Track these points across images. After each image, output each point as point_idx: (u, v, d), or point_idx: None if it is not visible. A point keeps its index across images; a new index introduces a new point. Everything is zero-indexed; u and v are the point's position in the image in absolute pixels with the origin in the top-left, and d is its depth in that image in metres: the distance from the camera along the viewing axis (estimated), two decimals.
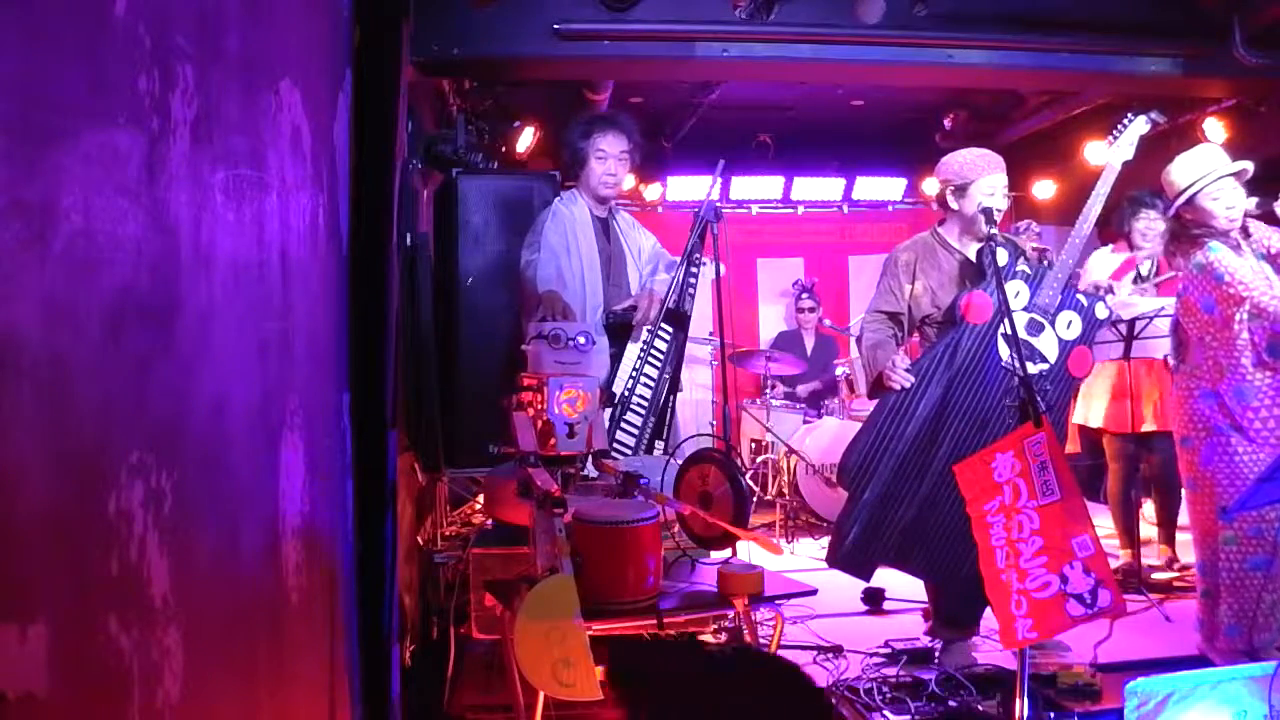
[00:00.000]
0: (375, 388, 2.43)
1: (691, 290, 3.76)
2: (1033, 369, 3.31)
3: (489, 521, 3.66)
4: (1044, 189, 7.27)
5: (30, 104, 1.01)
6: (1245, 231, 3.34)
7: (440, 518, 4.68)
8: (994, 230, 3.29)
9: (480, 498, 4.64)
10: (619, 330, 3.78)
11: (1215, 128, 5.66)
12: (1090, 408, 4.76)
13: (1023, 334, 3.35)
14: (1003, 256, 3.32)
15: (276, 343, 1.79)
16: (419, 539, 3.95)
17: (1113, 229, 4.93)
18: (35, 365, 1.01)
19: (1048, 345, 3.38)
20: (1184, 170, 3.34)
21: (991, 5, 4.11)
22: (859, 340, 3.64)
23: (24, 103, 1.00)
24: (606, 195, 3.86)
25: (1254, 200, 3.32)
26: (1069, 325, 3.40)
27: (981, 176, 3.42)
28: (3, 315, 0.96)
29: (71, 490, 1.09)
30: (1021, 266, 3.40)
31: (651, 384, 3.75)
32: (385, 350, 2.46)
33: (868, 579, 3.55)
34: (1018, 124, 6.69)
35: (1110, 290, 4.58)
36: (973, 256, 3.48)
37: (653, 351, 3.74)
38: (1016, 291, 3.36)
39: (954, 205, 3.49)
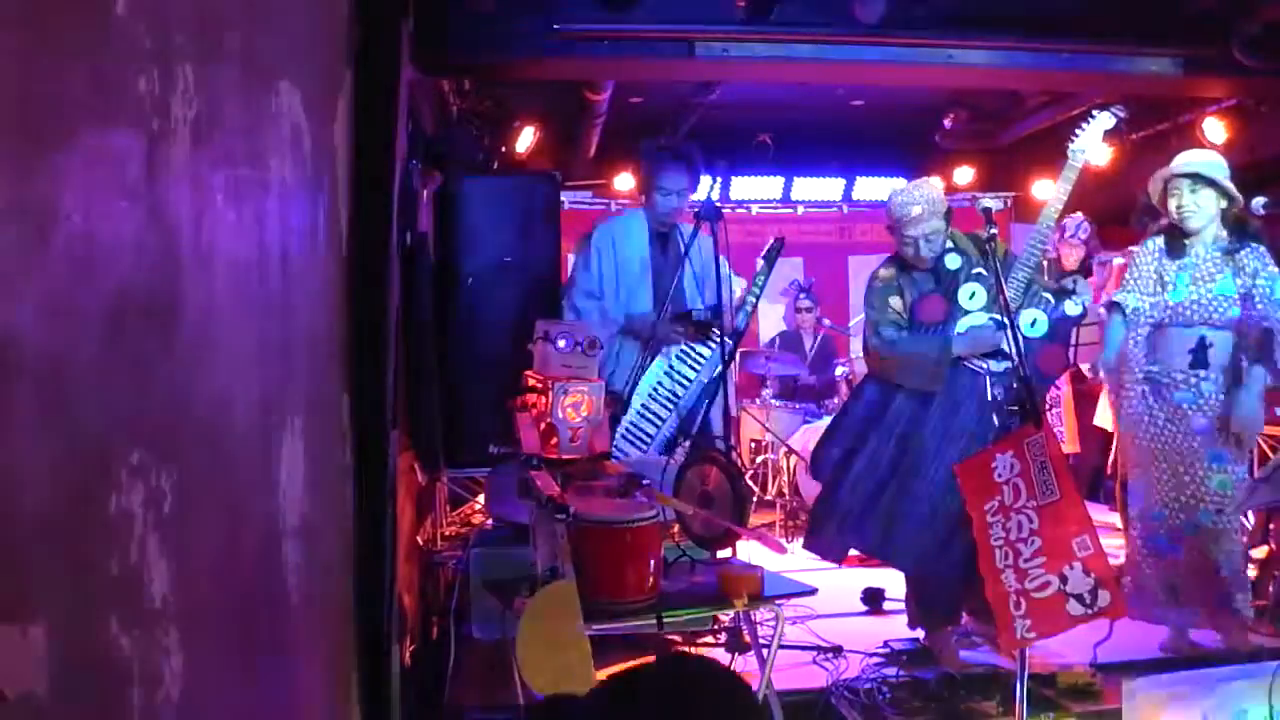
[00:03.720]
0: (375, 388, 2.43)
1: (746, 308, 3.96)
2: (997, 367, 3.40)
3: (489, 521, 3.65)
4: (1044, 189, 7.26)
5: (30, 104, 1.01)
6: (1235, 242, 3.47)
7: (440, 518, 4.67)
8: (993, 230, 3.28)
9: (480, 498, 4.63)
10: (702, 329, 3.98)
11: (1215, 128, 5.65)
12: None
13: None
14: (954, 261, 3.44)
15: (276, 343, 1.79)
16: (419, 539, 3.95)
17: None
18: (35, 365, 1.01)
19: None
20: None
21: (991, 5, 4.10)
22: (878, 353, 3.59)
23: (24, 103, 1.00)
24: (666, 221, 4.10)
25: (1262, 200, 3.43)
26: (1033, 323, 3.40)
27: (901, 229, 3.47)
28: (3, 315, 0.96)
29: (71, 490, 1.09)
30: (978, 270, 3.44)
31: (686, 383, 3.96)
32: (385, 350, 2.46)
33: (839, 561, 3.77)
34: (1018, 124, 6.69)
35: (1076, 287, 4.57)
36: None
37: (692, 353, 3.96)
38: (972, 293, 3.42)
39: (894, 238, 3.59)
